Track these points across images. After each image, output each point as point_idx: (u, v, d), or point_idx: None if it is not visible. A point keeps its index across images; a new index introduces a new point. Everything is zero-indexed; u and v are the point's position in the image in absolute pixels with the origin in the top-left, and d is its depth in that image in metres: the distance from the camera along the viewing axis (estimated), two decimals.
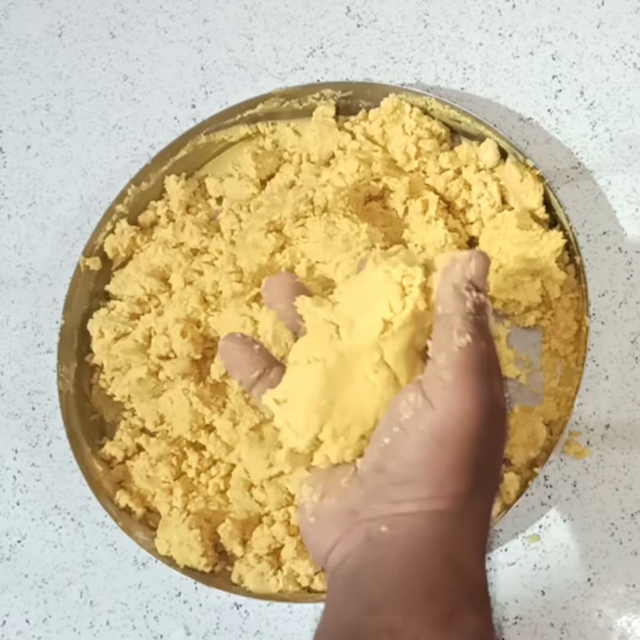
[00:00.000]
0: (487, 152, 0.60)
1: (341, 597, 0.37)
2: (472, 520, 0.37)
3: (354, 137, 0.63)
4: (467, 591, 0.36)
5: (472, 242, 0.61)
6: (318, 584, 0.56)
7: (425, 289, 0.39)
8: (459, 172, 0.61)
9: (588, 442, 0.58)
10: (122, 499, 0.59)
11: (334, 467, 0.40)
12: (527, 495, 0.55)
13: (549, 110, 0.64)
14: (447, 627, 0.34)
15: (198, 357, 0.59)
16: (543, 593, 0.56)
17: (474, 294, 0.37)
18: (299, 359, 0.40)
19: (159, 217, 0.65)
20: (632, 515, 0.56)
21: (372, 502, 0.37)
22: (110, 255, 0.64)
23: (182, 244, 0.63)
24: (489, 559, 0.57)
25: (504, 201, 0.60)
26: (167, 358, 0.60)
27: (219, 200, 0.66)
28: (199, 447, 0.60)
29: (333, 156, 0.63)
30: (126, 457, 0.61)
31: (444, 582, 0.35)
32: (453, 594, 0.35)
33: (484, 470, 0.37)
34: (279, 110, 0.65)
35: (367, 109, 0.64)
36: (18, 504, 0.64)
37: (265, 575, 0.56)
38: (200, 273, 0.62)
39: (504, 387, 0.38)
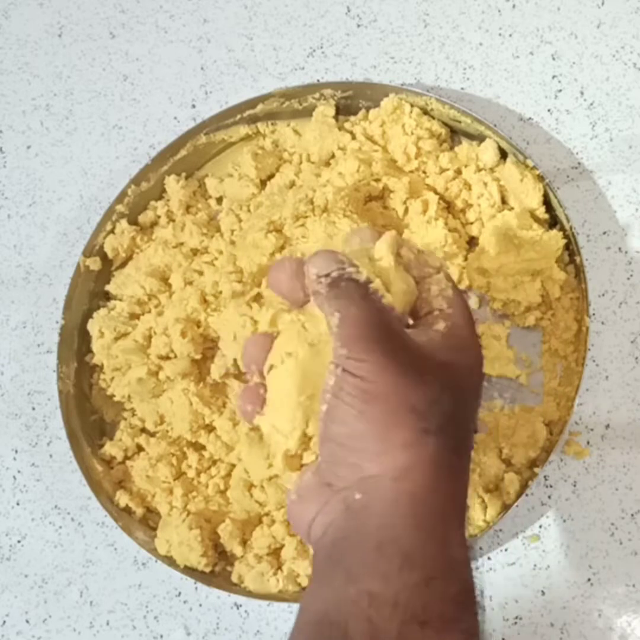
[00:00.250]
0: (487, 152, 0.60)
1: (323, 569, 0.37)
2: (435, 476, 0.37)
3: (354, 137, 0.63)
4: (444, 556, 0.36)
5: (472, 242, 0.61)
6: None
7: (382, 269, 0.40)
8: (459, 172, 0.61)
9: (588, 442, 0.58)
10: (122, 499, 0.59)
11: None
12: (527, 495, 0.55)
13: (549, 110, 0.64)
14: (425, 592, 0.34)
15: (198, 357, 0.59)
16: (543, 593, 0.56)
17: (321, 280, 0.39)
18: (273, 362, 0.41)
19: (159, 217, 0.65)
20: (632, 515, 0.56)
21: (339, 470, 0.38)
22: (110, 255, 0.64)
23: (182, 244, 0.63)
24: (488, 558, 0.57)
25: (504, 201, 0.60)
26: (167, 358, 0.60)
27: (219, 200, 0.66)
28: (199, 447, 0.60)
29: (333, 156, 0.63)
30: (126, 457, 0.61)
31: (420, 548, 0.35)
32: (430, 559, 0.35)
33: (430, 418, 0.37)
34: (279, 110, 0.65)
35: (367, 109, 0.64)
36: (18, 504, 0.64)
37: (265, 575, 0.56)
38: (200, 273, 0.62)
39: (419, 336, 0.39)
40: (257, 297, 0.59)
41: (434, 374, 0.38)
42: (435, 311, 0.40)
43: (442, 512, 0.37)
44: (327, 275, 0.39)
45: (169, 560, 0.57)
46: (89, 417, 0.62)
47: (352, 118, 0.64)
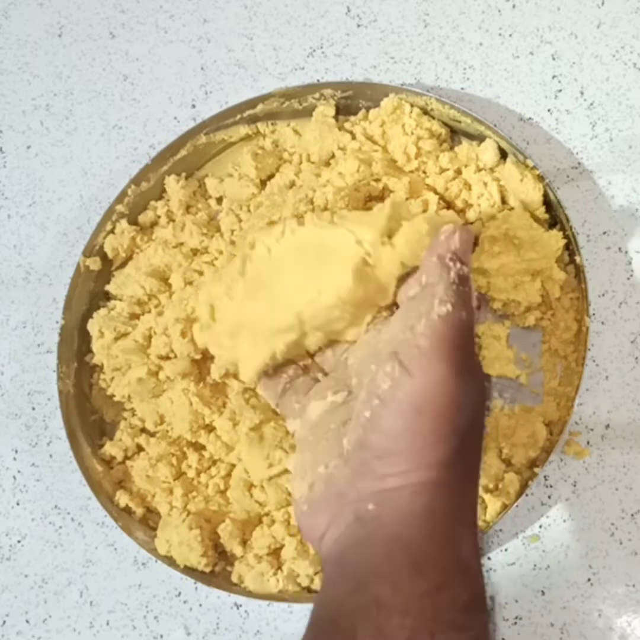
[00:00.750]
0: (487, 152, 0.60)
1: (332, 577, 0.37)
2: (457, 491, 0.36)
3: (354, 137, 0.63)
4: (455, 564, 0.35)
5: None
6: (318, 584, 0.56)
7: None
8: (459, 172, 0.61)
9: (588, 442, 0.58)
10: (122, 499, 0.59)
11: (319, 452, 0.40)
12: (527, 495, 0.55)
13: (549, 110, 0.64)
14: (435, 600, 0.34)
15: (198, 357, 0.59)
16: (543, 593, 0.56)
17: (458, 265, 0.38)
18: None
19: (159, 217, 0.65)
20: (632, 515, 0.56)
21: (357, 481, 0.37)
22: (110, 255, 0.64)
23: (182, 244, 0.63)
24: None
25: (504, 201, 0.60)
26: (167, 358, 0.60)
27: (219, 200, 0.66)
28: (199, 447, 0.60)
29: (333, 156, 0.63)
30: (126, 457, 0.61)
31: (431, 556, 0.35)
32: (441, 567, 0.35)
33: (464, 437, 0.36)
34: (279, 110, 0.65)
35: (367, 109, 0.64)
36: (18, 504, 0.64)
37: (265, 575, 0.56)
38: (200, 273, 0.62)
39: (477, 358, 0.39)
40: None
41: (474, 393, 0.37)
42: None
43: (456, 520, 0.36)
44: (460, 262, 0.38)
45: (169, 560, 0.57)
46: (89, 417, 0.62)
47: (352, 118, 0.64)
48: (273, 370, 0.47)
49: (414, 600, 0.34)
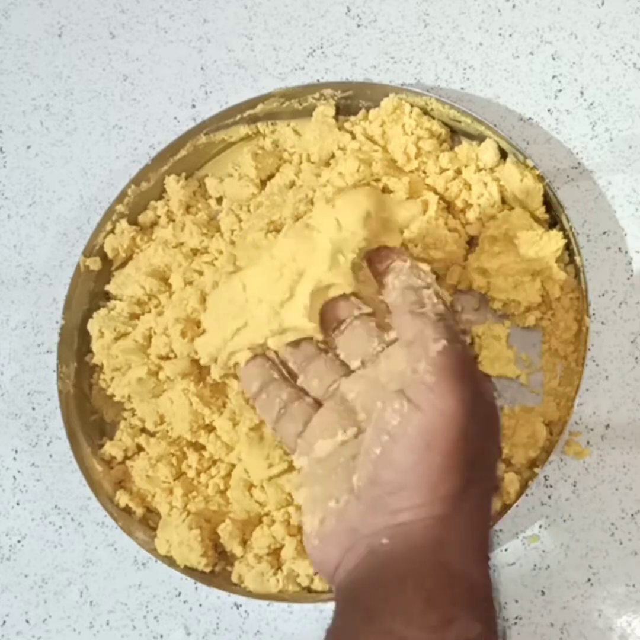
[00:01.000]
0: (487, 152, 0.60)
1: (345, 608, 0.37)
2: (469, 522, 0.37)
3: (354, 137, 0.63)
4: (466, 597, 0.36)
5: (472, 242, 0.61)
6: (318, 584, 0.56)
7: None
8: (459, 172, 0.61)
9: (588, 442, 0.58)
10: (122, 499, 0.59)
11: (328, 486, 0.40)
12: (527, 495, 0.55)
13: (549, 110, 0.64)
14: (446, 634, 0.34)
15: (198, 357, 0.59)
16: (543, 593, 0.56)
17: (431, 304, 0.39)
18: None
19: (159, 217, 0.65)
20: (632, 515, 0.56)
21: (370, 516, 0.37)
22: (110, 255, 0.64)
23: (182, 244, 0.63)
24: (489, 558, 0.57)
25: (504, 201, 0.60)
26: (167, 358, 0.60)
27: (219, 200, 0.66)
28: (199, 447, 0.60)
29: (333, 156, 0.63)
30: (126, 457, 0.61)
31: (442, 588, 0.35)
32: (452, 600, 0.35)
33: (476, 467, 0.37)
34: (279, 110, 0.65)
35: (367, 109, 0.64)
36: (18, 504, 0.64)
37: (265, 575, 0.56)
38: (200, 273, 0.62)
39: (486, 383, 0.39)
40: None
41: (485, 421, 0.37)
42: None
43: (468, 552, 0.37)
44: (433, 300, 0.39)
45: (169, 560, 0.57)
46: (89, 417, 0.62)
47: (352, 118, 0.64)
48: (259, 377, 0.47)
49: (427, 633, 0.34)
